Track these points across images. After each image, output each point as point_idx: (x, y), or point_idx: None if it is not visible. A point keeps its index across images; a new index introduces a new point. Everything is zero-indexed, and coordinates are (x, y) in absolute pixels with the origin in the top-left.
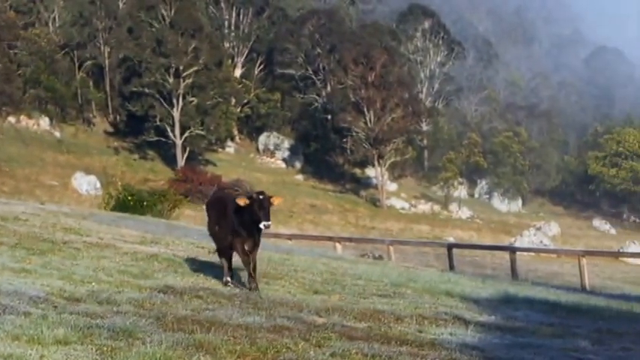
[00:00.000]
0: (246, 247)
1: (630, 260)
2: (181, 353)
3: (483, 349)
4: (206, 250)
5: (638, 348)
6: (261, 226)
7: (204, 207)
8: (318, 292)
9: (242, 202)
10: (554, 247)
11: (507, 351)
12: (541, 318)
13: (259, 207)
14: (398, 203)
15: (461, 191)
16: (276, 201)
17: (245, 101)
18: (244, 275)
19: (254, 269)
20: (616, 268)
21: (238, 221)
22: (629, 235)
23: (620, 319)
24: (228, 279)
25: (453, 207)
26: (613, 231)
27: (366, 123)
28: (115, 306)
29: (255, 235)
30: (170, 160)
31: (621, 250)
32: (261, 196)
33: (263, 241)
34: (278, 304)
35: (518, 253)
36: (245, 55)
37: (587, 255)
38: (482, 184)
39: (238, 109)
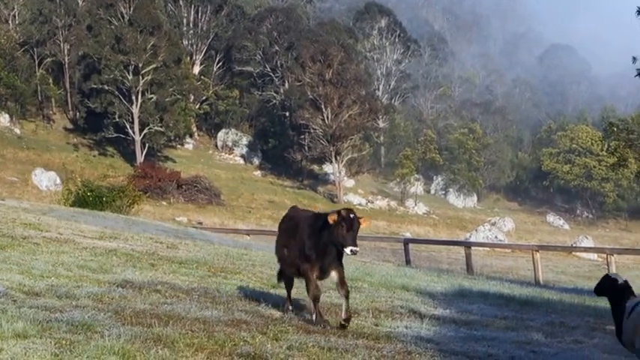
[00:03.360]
0: (315, 275)
1: (583, 255)
2: (139, 347)
3: (438, 342)
4: (164, 245)
5: (589, 340)
6: (347, 251)
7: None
8: (276, 286)
9: (332, 218)
10: (508, 242)
11: (462, 344)
12: (495, 311)
13: (347, 228)
14: (355, 199)
15: (417, 187)
16: (364, 223)
17: (204, 98)
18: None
19: (347, 296)
20: (569, 263)
21: (312, 243)
22: (582, 230)
23: (572, 313)
24: (290, 307)
25: (410, 203)
26: (566, 226)
27: (323, 120)
28: (73, 300)
29: (327, 259)
30: (129, 157)
31: (574, 245)
32: (351, 215)
33: (220, 236)
34: (236, 298)
35: (473, 248)
36: (203, 52)
37: (540, 250)
38: (438, 181)
39: (197, 106)
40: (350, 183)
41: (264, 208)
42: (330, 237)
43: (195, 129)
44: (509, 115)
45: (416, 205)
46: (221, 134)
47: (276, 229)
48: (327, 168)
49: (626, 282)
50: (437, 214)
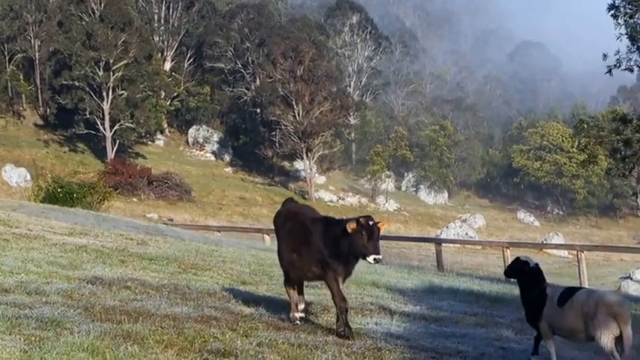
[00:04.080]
0: (341, 279)
1: (553, 252)
2: (109, 343)
3: (408, 338)
4: (135, 241)
5: (558, 337)
6: (370, 260)
7: (273, 224)
8: (246, 282)
9: (351, 227)
10: (479, 239)
11: (432, 340)
12: (465, 308)
13: (368, 236)
14: (326, 196)
15: (388, 184)
16: (383, 227)
17: (175, 94)
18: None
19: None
20: (540, 260)
21: (332, 252)
22: (552, 227)
23: None
24: (298, 315)
25: (380, 200)
26: (537, 223)
27: (294, 116)
28: (43, 296)
29: (349, 267)
30: (100, 153)
31: (545, 242)
32: (370, 222)
33: (191, 233)
34: (206, 295)
35: (443, 244)
36: (175, 48)
37: (511, 246)
38: (409, 177)
39: (168, 103)
40: (321, 180)
41: (235, 205)
42: (351, 247)
43: (166, 125)
44: (480, 112)
45: (387, 201)
46: (192, 131)
47: (246, 225)
48: (298, 165)
49: (537, 265)
50: (408, 211)
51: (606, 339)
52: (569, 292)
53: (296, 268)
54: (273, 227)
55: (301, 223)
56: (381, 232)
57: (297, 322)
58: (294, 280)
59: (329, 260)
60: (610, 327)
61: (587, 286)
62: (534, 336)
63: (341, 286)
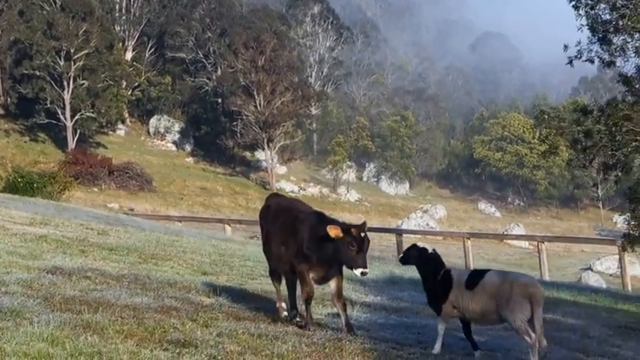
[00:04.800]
0: (312, 277)
1: (514, 242)
2: (69, 333)
3: (368, 328)
4: (95, 231)
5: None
6: (357, 272)
7: (259, 217)
8: (207, 273)
9: (334, 233)
10: (440, 230)
11: (392, 331)
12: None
13: (359, 249)
14: (287, 186)
15: (349, 174)
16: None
17: (136, 84)
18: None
19: (344, 308)
20: (500, 250)
21: (311, 244)
22: (513, 218)
23: None
24: (285, 313)
25: (342, 190)
26: (498, 214)
27: (256, 106)
28: (2, 286)
29: (331, 269)
30: (61, 143)
31: (505, 233)
32: (362, 234)
33: (152, 223)
34: (166, 285)
35: (405, 235)
36: (136, 38)
37: (472, 237)
38: (371, 168)
39: (129, 92)
40: (282, 170)
41: (196, 195)
42: (337, 254)
43: (127, 115)
44: (441, 102)
45: (348, 192)
46: (153, 120)
47: (207, 215)
48: (260, 155)
49: (435, 251)
50: (369, 201)
51: (520, 320)
52: (477, 275)
53: (283, 262)
54: (259, 222)
55: (294, 217)
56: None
57: (284, 314)
58: (281, 276)
59: (306, 252)
60: (524, 308)
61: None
62: (464, 332)
63: (314, 282)
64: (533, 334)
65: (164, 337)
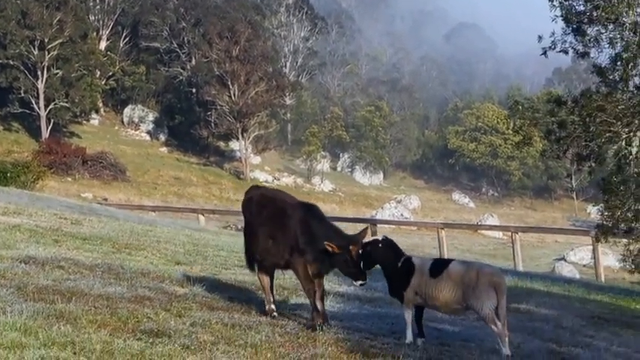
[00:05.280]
0: (310, 272)
1: (488, 233)
2: (42, 323)
3: (342, 318)
4: (69, 221)
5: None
6: (356, 284)
7: (242, 209)
8: (180, 263)
9: (332, 248)
10: (414, 220)
11: (366, 321)
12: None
13: (355, 266)
14: (261, 176)
15: (323, 165)
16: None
17: (110, 74)
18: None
19: (322, 297)
20: (474, 241)
21: (306, 239)
22: (487, 209)
23: None
24: (273, 307)
25: (316, 180)
26: (472, 204)
27: (230, 96)
28: None
29: (324, 268)
30: (34, 132)
31: (479, 223)
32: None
33: (125, 213)
34: (140, 275)
35: (379, 225)
36: (110, 27)
37: (446, 228)
38: (345, 158)
39: (103, 82)
40: (256, 160)
41: (170, 185)
42: (336, 262)
43: (101, 105)
44: (416, 93)
45: (322, 182)
46: (127, 110)
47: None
48: (234, 145)
49: (386, 237)
50: (343, 192)
51: (488, 309)
52: (441, 264)
53: (271, 255)
54: (242, 215)
55: (280, 208)
56: None
57: (275, 314)
58: (268, 269)
59: (302, 247)
60: (491, 297)
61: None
62: (415, 317)
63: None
64: (499, 323)
65: (137, 326)
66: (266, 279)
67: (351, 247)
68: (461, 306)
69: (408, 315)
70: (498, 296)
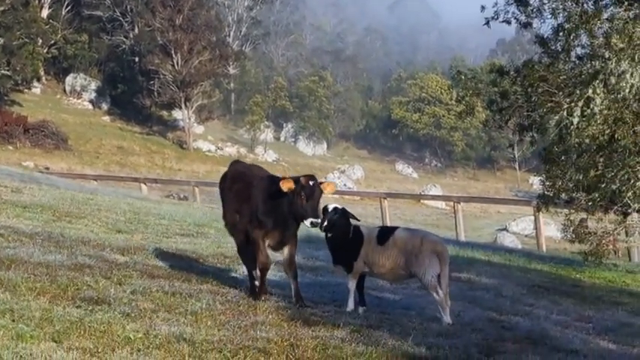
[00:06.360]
0: (267, 243)
1: (431, 203)
2: None
3: (284, 287)
4: (9, 189)
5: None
6: (307, 223)
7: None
8: (121, 231)
9: (287, 186)
10: (357, 190)
11: (307, 289)
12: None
13: (307, 197)
14: (204, 146)
15: (267, 134)
16: (327, 188)
17: (52, 42)
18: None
19: (294, 276)
20: (417, 211)
21: (267, 209)
22: (430, 179)
23: None
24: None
25: (259, 150)
26: (415, 175)
27: (173, 66)
28: None
29: (286, 231)
30: None
31: (422, 193)
32: (311, 182)
33: (67, 181)
34: (80, 243)
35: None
36: None
37: (388, 197)
38: (288, 128)
39: (45, 50)
40: (200, 129)
41: (112, 154)
42: (289, 207)
43: (43, 73)
44: (359, 63)
45: (265, 152)
46: (69, 79)
47: (123, 174)
48: (177, 114)
49: (343, 208)
50: (286, 162)
51: (430, 276)
52: (388, 231)
53: (238, 231)
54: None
55: (247, 182)
56: (328, 193)
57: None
58: (245, 252)
59: (260, 217)
60: (433, 264)
61: (436, 233)
62: (357, 286)
63: (270, 248)
64: (441, 291)
65: (77, 294)
66: (247, 263)
67: (301, 179)
68: (405, 272)
69: (353, 284)
70: (441, 264)
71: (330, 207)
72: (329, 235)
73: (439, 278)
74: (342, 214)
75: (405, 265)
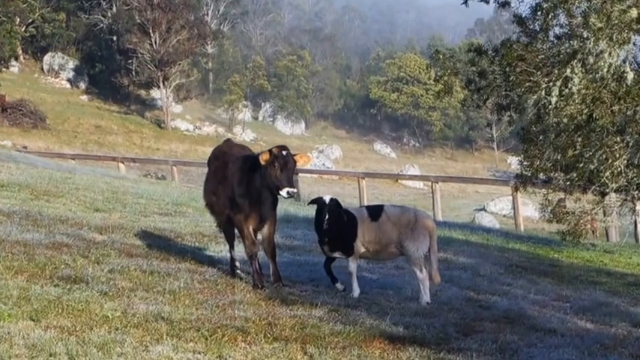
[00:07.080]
0: (251, 227)
1: (409, 183)
2: None
3: (261, 266)
4: None
5: (409, 267)
6: (283, 193)
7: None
8: (99, 210)
9: (264, 158)
10: (335, 170)
11: (285, 268)
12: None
13: (281, 167)
14: (183, 125)
15: (245, 114)
16: (301, 160)
17: (30, 21)
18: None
19: (273, 256)
20: (395, 191)
21: (243, 190)
22: (408, 159)
23: None
24: (237, 264)
25: (237, 129)
26: (393, 154)
27: (151, 44)
28: None
29: (264, 207)
30: None
31: (400, 173)
32: (284, 152)
33: (45, 160)
34: (58, 222)
35: (300, 174)
36: None
37: (366, 177)
38: (267, 107)
39: (23, 29)
40: (178, 109)
41: (90, 133)
42: (263, 180)
43: (20, 52)
44: (338, 42)
45: (244, 131)
46: (47, 58)
47: (101, 154)
48: (155, 93)
49: (335, 198)
50: (264, 141)
51: (421, 252)
52: (376, 208)
53: (215, 212)
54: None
55: (224, 162)
56: (303, 164)
57: (239, 274)
58: (224, 229)
59: (238, 200)
60: (425, 241)
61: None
62: (325, 268)
63: (263, 234)
64: (424, 269)
65: (55, 273)
66: (228, 239)
67: (274, 149)
68: (396, 250)
69: (354, 267)
70: (431, 241)
71: (326, 198)
72: (327, 225)
73: (429, 254)
74: (337, 203)
75: (397, 239)
